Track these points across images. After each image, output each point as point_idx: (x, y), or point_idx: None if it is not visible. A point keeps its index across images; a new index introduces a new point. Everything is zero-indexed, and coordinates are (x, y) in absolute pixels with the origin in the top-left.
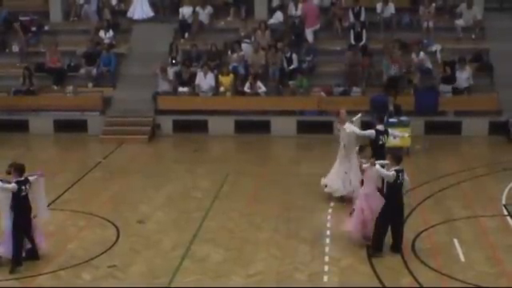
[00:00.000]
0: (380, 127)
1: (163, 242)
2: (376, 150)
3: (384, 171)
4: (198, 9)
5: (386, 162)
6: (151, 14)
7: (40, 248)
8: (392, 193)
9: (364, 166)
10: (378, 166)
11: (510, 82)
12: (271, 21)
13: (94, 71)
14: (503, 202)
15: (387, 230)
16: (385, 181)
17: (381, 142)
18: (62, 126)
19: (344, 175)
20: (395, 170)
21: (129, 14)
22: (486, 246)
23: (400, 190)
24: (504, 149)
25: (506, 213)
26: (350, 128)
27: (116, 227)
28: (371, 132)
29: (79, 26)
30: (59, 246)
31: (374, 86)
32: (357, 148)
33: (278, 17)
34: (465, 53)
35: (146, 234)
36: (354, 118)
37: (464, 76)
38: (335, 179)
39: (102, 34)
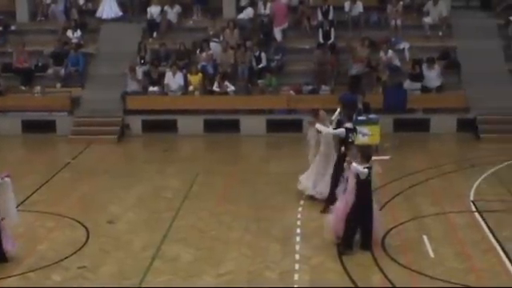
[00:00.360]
0: (349, 125)
1: (133, 242)
2: (345, 147)
3: (360, 168)
4: (166, 8)
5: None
6: (120, 13)
7: (7, 251)
8: (362, 190)
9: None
10: (354, 164)
11: (477, 79)
12: (240, 16)
13: (62, 71)
14: (471, 198)
15: (357, 227)
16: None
17: (350, 140)
18: (29, 127)
19: (317, 176)
20: (366, 168)
21: (97, 14)
22: (455, 242)
23: (369, 187)
24: (472, 146)
25: (474, 209)
26: (322, 128)
27: (86, 228)
28: (341, 130)
29: (46, 25)
30: (28, 248)
31: (342, 84)
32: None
33: (248, 13)
34: (432, 50)
35: (116, 234)
36: (333, 117)
37: (433, 75)
38: (308, 177)
39: (69, 33)
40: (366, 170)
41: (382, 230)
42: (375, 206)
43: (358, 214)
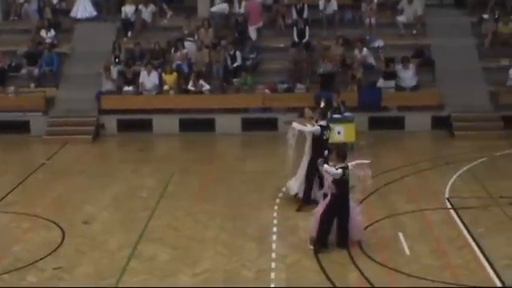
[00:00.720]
0: (323, 123)
1: (109, 242)
2: (320, 145)
3: (332, 170)
4: (140, 7)
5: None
6: (94, 13)
7: None
8: (338, 189)
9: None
10: (326, 166)
11: (451, 77)
12: (213, 9)
13: (36, 71)
14: (446, 195)
15: (331, 226)
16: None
17: (324, 137)
18: (3, 127)
19: (302, 177)
20: (341, 168)
21: (72, 14)
22: (431, 239)
23: (346, 186)
24: (446, 143)
25: (449, 206)
26: (298, 126)
27: (61, 228)
28: (316, 128)
29: (20, 25)
30: (3, 249)
31: (317, 82)
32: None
33: (222, 7)
34: (407, 49)
35: (91, 234)
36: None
37: (408, 74)
38: (295, 181)
39: (43, 33)
40: (340, 170)
41: (360, 228)
42: (353, 205)
43: (333, 213)
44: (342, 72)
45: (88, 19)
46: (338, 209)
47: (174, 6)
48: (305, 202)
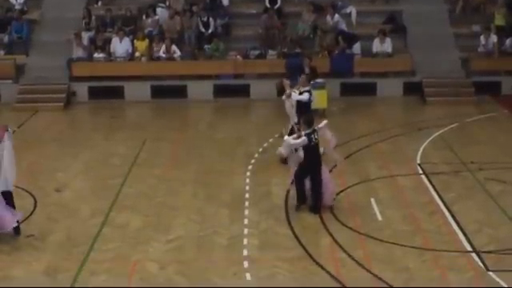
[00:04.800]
0: (307, 88)
1: (81, 209)
2: (306, 109)
3: (296, 141)
4: None
5: None
6: None
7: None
8: (307, 154)
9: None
10: (286, 137)
11: (423, 43)
12: None
13: (6, 38)
14: (418, 161)
15: (304, 182)
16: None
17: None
18: None
19: None
20: (306, 134)
21: None
22: (402, 204)
23: (314, 150)
24: (418, 109)
25: (420, 171)
26: (293, 95)
27: (33, 196)
28: (305, 96)
29: None
30: None
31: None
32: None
33: None
34: (378, 15)
35: (63, 202)
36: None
37: (385, 48)
38: None
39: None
40: (305, 137)
41: (332, 195)
42: (325, 169)
43: (302, 174)
44: (314, 38)
45: None
46: (311, 173)
47: None
48: None
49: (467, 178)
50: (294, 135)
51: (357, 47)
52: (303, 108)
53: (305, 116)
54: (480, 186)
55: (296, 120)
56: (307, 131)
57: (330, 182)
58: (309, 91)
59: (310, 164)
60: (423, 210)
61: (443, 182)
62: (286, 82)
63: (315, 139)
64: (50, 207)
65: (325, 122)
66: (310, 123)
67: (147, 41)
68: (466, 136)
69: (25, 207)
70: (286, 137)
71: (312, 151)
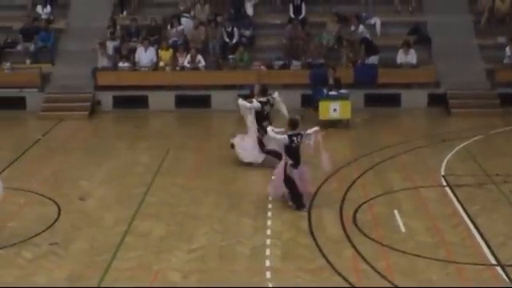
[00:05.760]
0: (262, 99)
1: (105, 218)
2: (261, 118)
3: (276, 136)
4: None
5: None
6: None
7: None
8: (288, 155)
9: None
10: (269, 130)
11: (447, 54)
12: None
13: (32, 47)
14: (442, 172)
15: (295, 185)
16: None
17: (265, 113)
18: None
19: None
20: (288, 135)
21: None
22: (426, 216)
23: (295, 152)
24: (442, 120)
25: (444, 183)
26: (242, 102)
27: (57, 204)
28: (258, 105)
29: (16, 1)
30: None
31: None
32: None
33: None
34: (403, 25)
35: (87, 210)
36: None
37: (409, 59)
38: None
39: (39, 9)
40: (286, 136)
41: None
42: (305, 169)
43: (289, 176)
44: (338, 49)
45: None
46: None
47: None
48: None
49: (492, 190)
50: (278, 130)
51: (374, 59)
52: (259, 116)
53: (291, 118)
54: (505, 199)
55: (255, 128)
56: (290, 133)
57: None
58: (265, 102)
59: (292, 165)
60: (447, 222)
61: (467, 194)
62: (257, 87)
63: (297, 142)
64: (74, 215)
65: (315, 128)
66: (293, 125)
67: (171, 50)
68: (490, 148)
69: (48, 215)
70: (269, 127)
71: (292, 153)
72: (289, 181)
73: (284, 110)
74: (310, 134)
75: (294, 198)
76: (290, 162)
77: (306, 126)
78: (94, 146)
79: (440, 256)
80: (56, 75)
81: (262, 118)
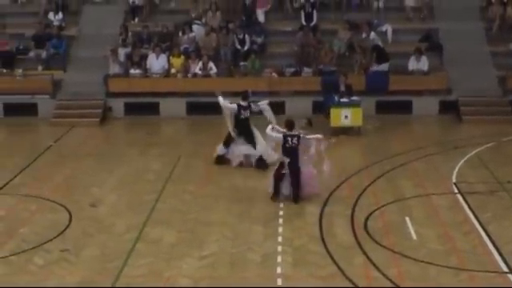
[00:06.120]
0: (243, 103)
1: (116, 225)
2: (238, 122)
3: (271, 134)
4: None
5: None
6: None
7: None
8: (284, 154)
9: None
10: (267, 130)
11: (459, 61)
12: None
13: (44, 54)
14: (453, 180)
15: (280, 182)
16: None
17: (242, 117)
18: (11, 110)
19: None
20: (284, 135)
21: None
22: (437, 223)
23: (291, 153)
24: (454, 127)
25: (456, 191)
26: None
27: (68, 211)
28: (233, 107)
29: (28, 8)
30: (11, 231)
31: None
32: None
33: None
34: (414, 32)
35: (98, 217)
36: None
37: (421, 66)
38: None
39: (51, 16)
40: (281, 135)
41: (316, 182)
42: (309, 168)
43: (279, 173)
44: (349, 56)
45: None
46: (289, 171)
47: None
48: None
49: (503, 197)
50: (275, 127)
51: (384, 66)
52: (236, 118)
53: (286, 119)
54: None
55: (230, 127)
56: (286, 133)
57: (313, 172)
58: (245, 107)
59: (288, 164)
60: (458, 229)
61: (479, 201)
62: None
63: (292, 143)
64: (85, 222)
65: (317, 135)
66: (288, 126)
67: (183, 57)
68: (502, 155)
69: (60, 221)
70: (270, 126)
71: (288, 152)
72: (278, 174)
73: (272, 118)
74: (308, 139)
75: (275, 185)
76: (286, 160)
77: (316, 132)
78: (106, 152)
79: (451, 263)
80: (68, 82)
81: (239, 121)
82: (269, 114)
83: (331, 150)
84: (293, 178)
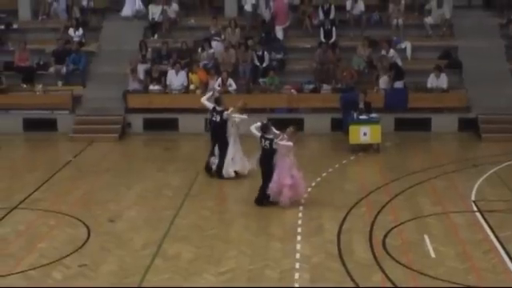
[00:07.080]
0: (218, 108)
1: (134, 240)
2: (212, 123)
3: (253, 131)
4: (165, 7)
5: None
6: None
7: None
8: (264, 158)
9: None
10: (252, 126)
11: (478, 78)
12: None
13: (64, 70)
14: (473, 198)
15: (267, 181)
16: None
17: (215, 120)
18: (31, 125)
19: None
20: (260, 136)
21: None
22: (456, 241)
23: (265, 153)
24: (473, 145)
25: (475, 209)
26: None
27: (87, 226)
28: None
29: (48, 24)
30: (30, 246)
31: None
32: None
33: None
34: (434, 50)
35: (116, 232)
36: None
37: (440, 83)
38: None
39: (71, 32)
40: (258, 135)
41: (303, 188)
42: (294, 172)
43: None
44: (369, 73)
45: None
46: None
47: (201, 6)
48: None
49: None
50: (258, 124)
51: (399, 84)
52: (211, 121)
53: (262, 121)
54: None
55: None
56: (263, 135)
57: (300, 183)
58: (218, 112)
59: (265, 166)
60: (478, 247)
61: (498, 219)
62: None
63: (265, 145)
64: (103, 237)
65: (288, 143)
66: (262, 128)
67: (202, 74)
68: None
69: (78, 237)
70: (256, 124)
71: (263, 153)
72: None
73: (241, 119)
74: (279, 145)
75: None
76: (257, 155)
77: (335, 152)
78: (124, 168)
79: (471, 282)
80: (87, 97)
81: (213, 124)
82: (235, 126)
83: (351, 167)
84: (264, 180)
